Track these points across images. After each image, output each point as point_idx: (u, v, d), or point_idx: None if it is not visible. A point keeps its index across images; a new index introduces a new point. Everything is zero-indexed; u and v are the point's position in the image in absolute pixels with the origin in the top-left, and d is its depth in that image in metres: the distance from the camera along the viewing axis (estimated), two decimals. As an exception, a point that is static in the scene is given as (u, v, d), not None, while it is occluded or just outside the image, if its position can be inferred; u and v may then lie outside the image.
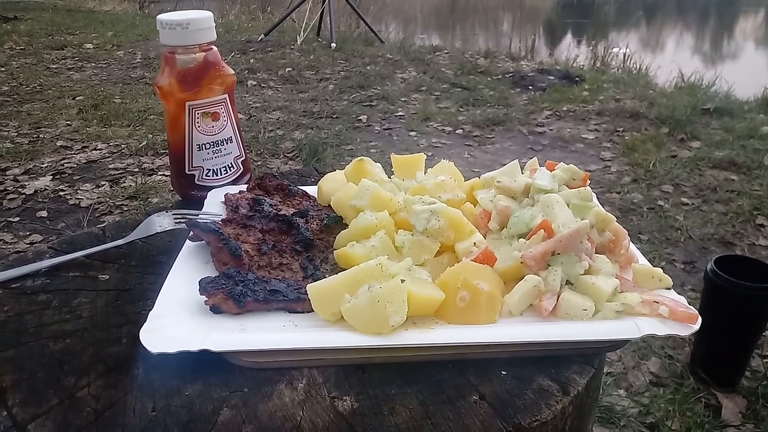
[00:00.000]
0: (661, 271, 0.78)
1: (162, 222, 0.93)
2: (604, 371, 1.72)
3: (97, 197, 2.81)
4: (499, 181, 0.90)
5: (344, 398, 0.66)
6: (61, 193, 2.86)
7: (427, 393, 0.66)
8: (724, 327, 1.62)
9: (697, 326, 0.70)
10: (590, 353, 0.72)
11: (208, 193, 1.02)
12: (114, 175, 3.07)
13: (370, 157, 3.23)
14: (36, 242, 2.44)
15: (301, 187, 1.06)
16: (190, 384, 0.68)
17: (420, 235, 0.81)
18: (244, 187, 1.04)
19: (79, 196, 2.83)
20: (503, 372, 0.69)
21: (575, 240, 0.76)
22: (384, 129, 4.00)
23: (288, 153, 3.40)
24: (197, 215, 0.96)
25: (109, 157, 3.32)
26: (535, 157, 1.00)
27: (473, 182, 0.98)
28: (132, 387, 0.68)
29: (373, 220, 0.83)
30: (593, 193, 1.02)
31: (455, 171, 0.99)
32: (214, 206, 1.00)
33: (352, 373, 0.70)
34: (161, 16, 0.97)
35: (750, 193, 2.87)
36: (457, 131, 3.95)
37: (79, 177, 3.07)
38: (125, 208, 2.68)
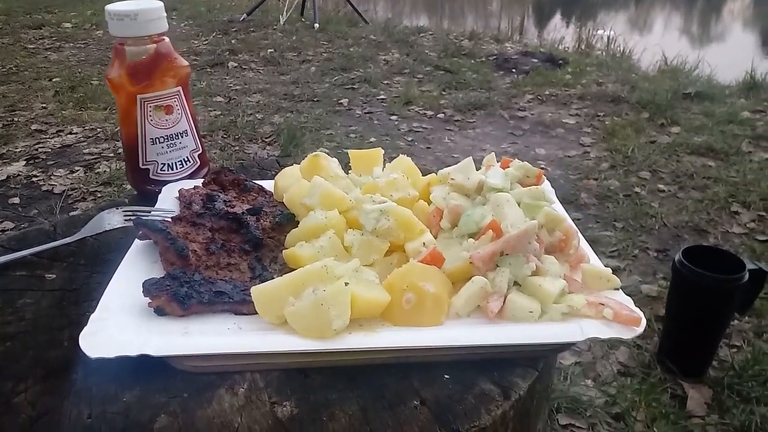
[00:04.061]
0: (610, 271, 0.78)
1: (112, 219, 0.91)
2: (574, 361, 1.73)
3: (71, 183, 2.77)
4: (452, 179, 0.89)
5: (284, 404, 0.65)
6: (35, 179, 2.82)
7: (368, 398, 0.66)
8: (691, 317, 1.63)
9: (640, 329, 0.70)
10: (535, 356, 0.72)
11: (163, 188, 1.01)
12: (89, 160, 3.03)
13: (349, 142, 3.17)
14: (7, 230, 2.41)
15: (258, 182, 1.04)
16: (129, 389, 0.67)
17: (369, 234, 0.80)
18: (200, 182, 1.02)
19: (53, 182, 2.79)
20: (446, 376, 0.69)
21: (523, 241, 0.75)
22: (365, 113, 3.97)
23: (266, 138, 3.36)
24: (149, 212, 0.94)
25: (84, 141, 3.27)
26: (492, 153, 0.99)
27: (430, 178, 0.97)
28: (69, 393, 0.67)
29: (322, 220, 0.82)
30: (552, 189, 1.02)
31: (412, 167, 0.98)
32: (168, 201, 0.98)
33: (295, 376, 0.69)
34: (109, 7, 0.94)
35: (726, 180, 2.88)
36: (438, 115, 3.93)
37: (53, 162, 3.02)
38: (99, 195, 2.65)
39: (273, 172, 1.19)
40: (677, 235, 2.43)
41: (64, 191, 2.71)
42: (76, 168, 2.94)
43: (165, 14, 0.97)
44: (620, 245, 2.33)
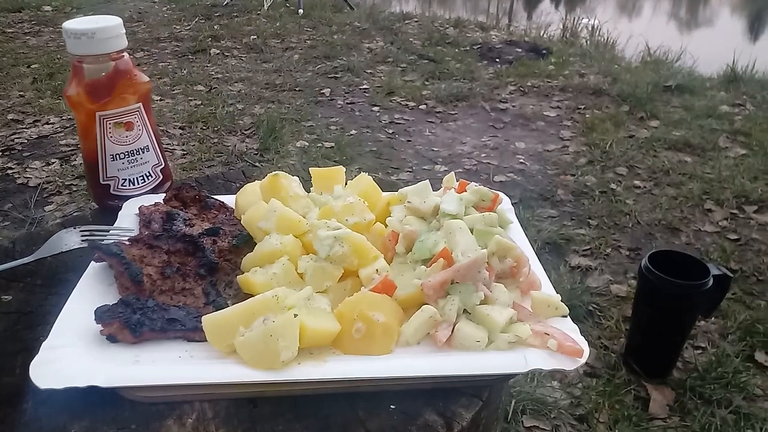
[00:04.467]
0: (559, 298, 0.79)
1: (69, 240, 0.91)
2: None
3: (47, 176, 2.75)
4: (409, 201, 0.90)
5: (231, 435, 0.67)
6: (9, 172, 2.80)
7: (314, 428, 0.67)
8: (655, 321, 1.66)
9: (583, 360, 0.72)
10: (480, 385, 0.73)
11: (123, 204, 1.01)
12: (65, 152, 3.00)
13: (329, 134, 3.15)
14: (-19, 224, 2.40)
15: (219, 198, 1.05)
16: (78, 420, 0.67)
17: (323, 261, 0.81)
18: (161, 197, 1.02)
19: (28, 175, 2.76)
20: (392, 406, 0.70)
21: (473, 270, 0.76)
22: (347, 103, 3.96)
23: (245, 130, 3.34)
24: (108, 231, 0.94)
25: (61, 132, 3.24)
26: (452, 173, 1.00)
27: (390, 197, 0.98)
28: (20, 423, 0.67)
29: (277, 245, 0.82)
30: (511, 207, 1.03)
31: (373, 186, 0.98)
32: (128, 218, 0.98)
33: (244, 406, 0.70)
34: (66, 24, 0.93)
35: (702, 177, 2.91)
36: (420, 107, 3.92)
37: (29, 154, 2.99)
38: (74, 189, 2.63)
39: (239, 184, 1.19)
40: (650, 233, 2.46)
41: (39, 184, 2.69)
42: (52, 160, 2.91)
43: (124, 31, 0.96)
44: (593, 243, 2.35)
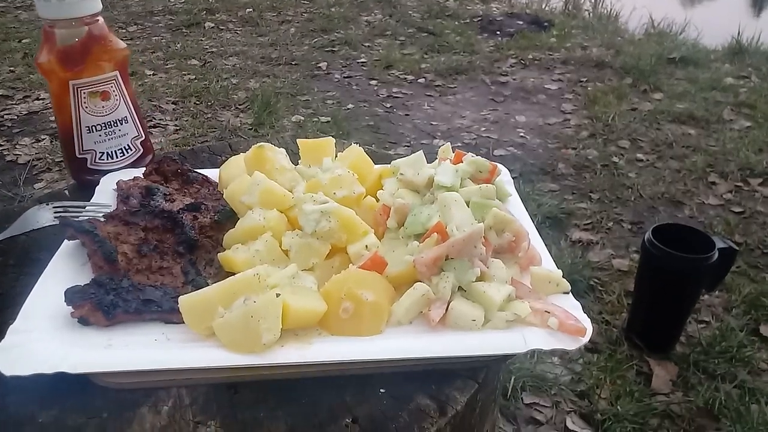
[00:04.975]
0: (560, 274, 0.74)
1: (41, 217, 0.86)
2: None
3: (36, 153, 2.69)
4: (402, 173, 0.85)
5: (209, 423, 0.62)
6: (-1, 149, 2.74)
7: (298, 416, 0.63)
8: (659, 295, 1.62)
9: (585, 339, 0.68)
10: (475, 366, 0.69)
11: (101, 179, 0.96)
12: (55, 128, 2.93)
13: (325, 108, 3.08)
14: (-30, 202, 2.35)
15: (206, 171, 1.00)
16: (47, 409, 0.63)
17: (309, 237, 0.76)
18: (141, 171, 0.97)
19: (18, 152, 2.71)
20: (382, 390, 0.66)
21: (468, 245, 0.72)
22: (344, 77, 3.88)
23: (240, 105, 3.27)
24: (83, 207, 0.89)
25: (51, 108, 3.16)
26: (448, 144, 0.94)
27: (382, 170, 0.93)
28: (-16, 412, 0.63)
29: (260, 221, 0.78)
30: (510, 179, 0.98)
31: (364, 158, 0.93)
32: (106, 193, 0.94)
33: (224, 392, 0.66)
34: (35, -15, 0.87)
35: (706, 149, 2.85)
36: (419, 80, 3.84)
37: (18, 130, 2.93)
38: (64, 166, 2.57)
39: (224, 158, 1.14)
40: (652, 206, 2.40)
41: (29, 161, 2.63)
42: (42, 136, 2.85)
43: (98, -8, 0.90)
44: (595, 218, 2.30)
